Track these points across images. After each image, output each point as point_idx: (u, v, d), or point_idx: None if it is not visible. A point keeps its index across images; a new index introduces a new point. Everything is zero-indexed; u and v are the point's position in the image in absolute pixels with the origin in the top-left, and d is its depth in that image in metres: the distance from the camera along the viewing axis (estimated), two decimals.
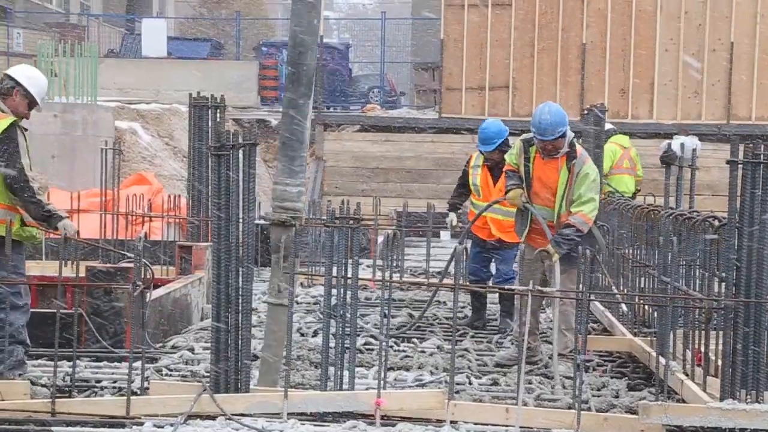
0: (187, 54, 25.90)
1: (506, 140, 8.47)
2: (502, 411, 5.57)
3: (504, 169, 7.52)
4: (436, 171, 19.15)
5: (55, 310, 5.63)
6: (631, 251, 8.44)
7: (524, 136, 7.25)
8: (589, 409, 5.88)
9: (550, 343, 7.28)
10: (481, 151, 8.58)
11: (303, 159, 5.84)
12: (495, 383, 6.66)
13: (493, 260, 8.74)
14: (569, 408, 5.76)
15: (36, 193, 6.06)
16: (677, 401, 5.81)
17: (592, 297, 7.59)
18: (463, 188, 8.89)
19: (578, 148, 7.22)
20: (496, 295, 8.75)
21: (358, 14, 57.38)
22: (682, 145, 10.82)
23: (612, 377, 6.88)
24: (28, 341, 6.14)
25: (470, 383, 6.61)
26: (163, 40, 25.66)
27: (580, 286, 5.75)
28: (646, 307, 7.85)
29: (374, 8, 56.01)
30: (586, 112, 10.67)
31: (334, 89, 24.78)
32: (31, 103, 6.22)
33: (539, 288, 6.20)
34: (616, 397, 6.35)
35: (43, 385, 5.94)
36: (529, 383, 6.49)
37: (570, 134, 7.11)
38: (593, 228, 7.13)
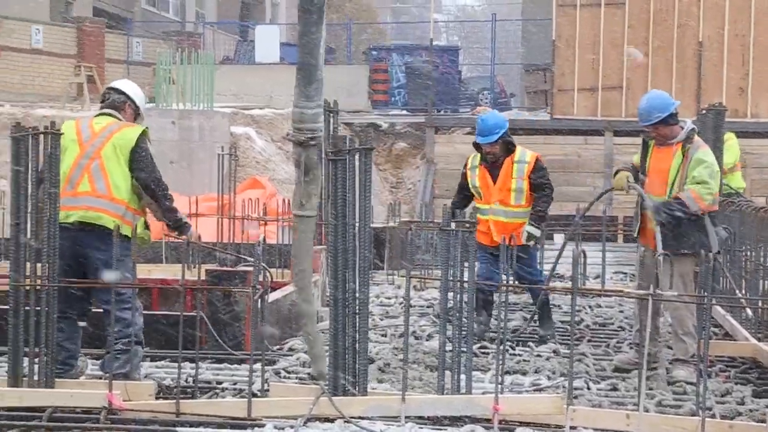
0: None
1: (507, 132, 8.06)
2: (622, 417, 5.46)
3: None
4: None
5: (177, 313, 5.75)
6: (753, 253, 8.21)
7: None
8: (713, 416, 5.74)
9: (670, 348, 7.14)
10: (479, 146, 8.09)
11: (319, 83, 6.04)
12: (614, 388, 6.55)
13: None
14: (692, 415, 5.62)
15: (173, 201, 6.34)
16: None
17: (714, 301, 7.39)
18: (463, 193, 8.36)
19: (696, 137, 7.02)
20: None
21: (467, 16, 57.30)
22: None
23: (736, 383, 6.70)
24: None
25: (588, 388, 6.51)
26: (276, 46, 26.07)
27: (700, 290, 5.62)
28: None
29: (483, 9, 55.85)
30: (703, 111, 10.44)
31: (444, 92, 24.77)
32: (136, 116, 6.53)
33: (659, 292, 6.06)
34: (741, 404, 6.18)
35: (167, 386, 6.07)
36: (650, 389, 6.37)
37: (689, 125, 6.96)
38: (709, 227, 6.88)
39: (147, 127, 6.34)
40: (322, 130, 6.18)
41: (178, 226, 6.41)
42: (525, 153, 8.16)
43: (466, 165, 8.30)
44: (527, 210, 8.11)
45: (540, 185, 8.12)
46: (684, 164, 6.83)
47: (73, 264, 6.06)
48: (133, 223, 6.08)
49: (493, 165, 8.07)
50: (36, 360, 5.55)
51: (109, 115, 6.39)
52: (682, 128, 6.93)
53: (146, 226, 6.29)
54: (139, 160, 6.17)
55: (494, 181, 8.07)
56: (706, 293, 5.65)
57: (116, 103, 6.44)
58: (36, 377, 5.56)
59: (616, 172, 7.21)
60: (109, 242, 5.63)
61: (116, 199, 6.08)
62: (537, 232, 8.13)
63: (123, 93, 6.47)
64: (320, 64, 6.04)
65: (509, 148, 8.09)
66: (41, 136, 5.59)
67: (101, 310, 6.15)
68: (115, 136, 6.18)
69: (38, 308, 5.55)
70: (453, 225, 5.73)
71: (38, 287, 5.55)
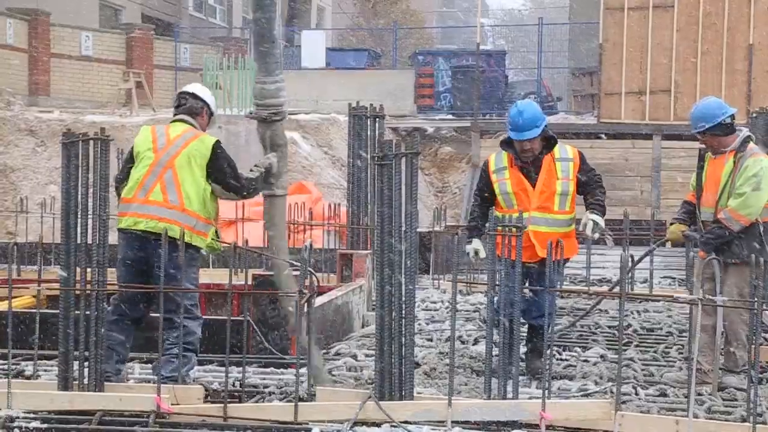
0: (345, 64, 26.33)
1: (547, 124, 6.71)
2: (671, 423, 5.40)
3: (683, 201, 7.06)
4: None
5: (224, 317, 5.79)
6: None
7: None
8: (764, 422, 5.66)
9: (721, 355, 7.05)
10: (510, 144, 6.74)
11: (276, 56, 5.90)
12: (663, 394, 6.48)
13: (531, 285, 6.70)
14: (743, 421, 5.56)
15: (250, 186, 6.36)
16: None
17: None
18: (485, 203, 6.85)
19: (751, 145, 6.86)
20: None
21: (514, 20, 57.10)
22: None
23: None
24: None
25: (636, 394, 6.45)
26: (321, 51, 26.17)
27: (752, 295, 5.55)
28: None
29: (530, 13, 55.65)
30: (754, 115, 10.33)
31: (490, 96, 24.70)
32: (210, 120, 6.53)
33: (709, 297, 5.98)
34: None
35: (214, 390, 6.11)
36: (699, 394, 6.29)
37: (744, 133, 6.81)
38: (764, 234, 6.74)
39: (218, 140, 6.32)
40: (285, 105, 6.03)
41: (263, 184, 6.43)
42: (565, 149, 6.82)
43: (487, 168, 6.83)
44: (570, 218, 6.84)
45: (592, 180, 6.81)
46: (734, 172, 6.67)
47: (137, 271, 6.12)
48: (206, 234, 6.12)
49: (529, 165, 6.74)
50: (86, 364, 5.62)
51: (184, 121, 6.34)
52: (738, 137, 6.78)
53: (217, 235, 6.31)
54: (219, 170, 6.18)
55: (533, 185, 6.72)
56: (756, 299, 5.58)
57: (194, 109, 6.38)
58: (86, 381, 5.62)
59: (671, 223, 7.00)
60: (177, 252, 5.64)
61: (187, 211, 6.09)
62: (601, 221, 6.74)
63: (200, 99, 6.40)
64: (275, 37, 5.92)
65: (550, 144, 6.76)
66: (91, 142, 5.66)
67: (157, 315, 6.20)
68: (190, 145, 6.16)
69: (88, 312, 5.61)
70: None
71: (88, 291, 5.61)
